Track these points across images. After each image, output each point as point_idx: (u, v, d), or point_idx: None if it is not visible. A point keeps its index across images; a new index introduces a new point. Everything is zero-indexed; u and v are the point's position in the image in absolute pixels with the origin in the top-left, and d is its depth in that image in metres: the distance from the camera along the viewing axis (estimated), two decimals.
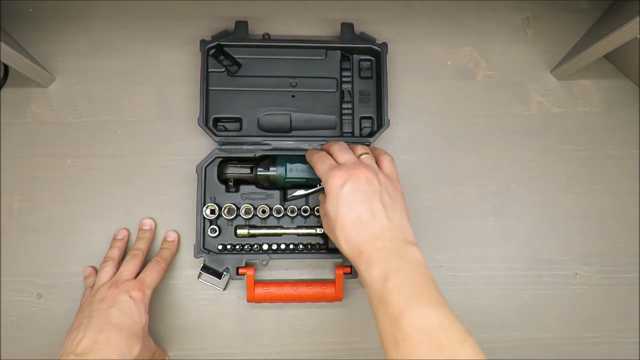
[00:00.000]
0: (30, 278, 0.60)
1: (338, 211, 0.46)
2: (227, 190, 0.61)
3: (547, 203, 0.65)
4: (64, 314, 0.59)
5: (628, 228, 0.65)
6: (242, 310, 0.61)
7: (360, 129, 0.63)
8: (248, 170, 0.58)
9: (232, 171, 0.59)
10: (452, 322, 0.39)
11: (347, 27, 0.63)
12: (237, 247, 0.60)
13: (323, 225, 0.53)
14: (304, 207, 0.60)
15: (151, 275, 0.56)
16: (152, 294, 0.55)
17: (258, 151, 0.60)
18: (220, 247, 0.60)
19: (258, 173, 0.57)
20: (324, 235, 0.61)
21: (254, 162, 0.59)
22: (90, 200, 0.62)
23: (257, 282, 0.59)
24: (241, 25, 0.62)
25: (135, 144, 0.63)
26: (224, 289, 0.60)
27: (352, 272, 0.59)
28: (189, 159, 0.62)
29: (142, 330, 0.52)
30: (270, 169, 0.57)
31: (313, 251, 0.60)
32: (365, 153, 0.51)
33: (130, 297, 0.52)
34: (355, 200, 0.46)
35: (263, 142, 0.60)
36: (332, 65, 0.64)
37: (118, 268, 0.56)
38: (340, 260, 0.60)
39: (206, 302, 0.61)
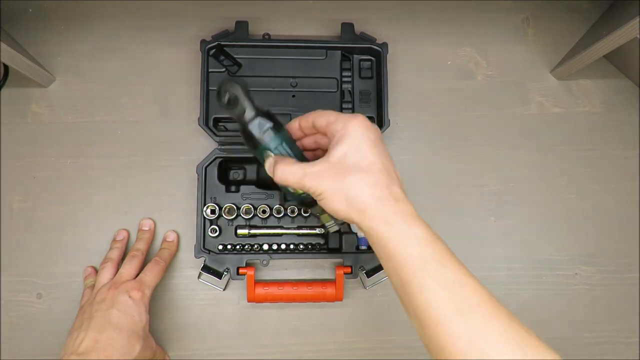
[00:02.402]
0: (30, 278, 0.60)
1: (365, 155, 0.41)
2: (228, 190, 0.61)
3: (547, 203, 0.65)
4: (64, 314, 0.59)
5: (628, 228, 0.65)
6: (242, 310, 0.61)
7: None
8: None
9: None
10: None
11: (347, 27, 0.63)
12: (238, 247, 0.60)
13: (303, 182, 0.42)
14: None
15: (151, 275, 0.56)
16: (151, 293, 0.55)
17: None
18: (220, 247, 0.60)
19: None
20: (324, 235, 0.61)
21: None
22: (90, 200, 0.62)
23: (258, 282, 0.59)
24: (241, 25, 0.62)
25: (135, 144, 0.63)
26: (224, 289, 0.60)
27: (352, 272, 0.59)
28: (189, 159, 0.62)
29: (143, 329, 0.52)
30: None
31: (313, 251, 0.60)
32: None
33: (130, 297, 0.52)
34: (382, 151, 0.42)
35: None
36: (333, 65, 0.64)
37: (118, 269, 0.56)
38: (340, 260, 0.60)
39: (206, 302, 0.61)
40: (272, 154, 0.44)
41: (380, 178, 0.40)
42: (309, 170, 0.41)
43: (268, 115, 0.44)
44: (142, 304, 0.52)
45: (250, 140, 0.44)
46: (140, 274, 0.56)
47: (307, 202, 0.48)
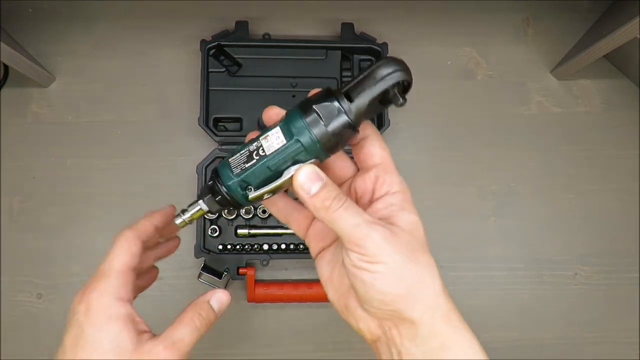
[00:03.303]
0: (30, 278, 0.60)
1: (425, 238, 0.32)
2: None
3: (547, 203, 0.65)
4: (64, 314, 0.58)
5: (628, 228, 0.65)
6: (243, 310, 0.61)
7: None
8: None
9: None
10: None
11: (347, 27, 0.63)
12: (238, 247, 0.60)
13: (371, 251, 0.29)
14: None
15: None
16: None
17: None
18: (220, 247, 0.59)
19: None
20: None
21: None
22: (90, 200, 0.62)
23: (258, 282, 0.59)
24: (241, 25, 0.62)
25: (135, 144, 0.63)
26: (224, 289, 0.60)
27: None
28: (189, 159, 0.62)
29: (113, 352, 0.29)
30: None
31: None
32: None
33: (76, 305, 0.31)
34: None
35: None
36: (333, 65, 0.63)
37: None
38: None
39: None
40: (308, 164, 0.30)
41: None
42: (381, 224, 0.30)
43: (350, 131, 0.30)
44: (101, 313, 0.30)
45: (310, 122, 0.29)
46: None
47: (235, 204, 0.33)
